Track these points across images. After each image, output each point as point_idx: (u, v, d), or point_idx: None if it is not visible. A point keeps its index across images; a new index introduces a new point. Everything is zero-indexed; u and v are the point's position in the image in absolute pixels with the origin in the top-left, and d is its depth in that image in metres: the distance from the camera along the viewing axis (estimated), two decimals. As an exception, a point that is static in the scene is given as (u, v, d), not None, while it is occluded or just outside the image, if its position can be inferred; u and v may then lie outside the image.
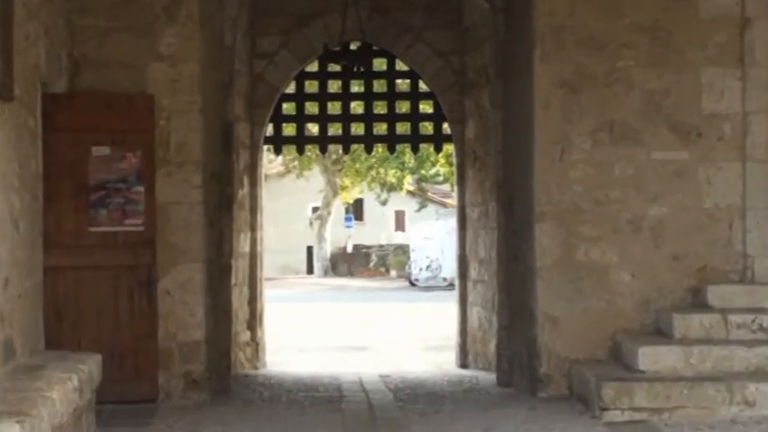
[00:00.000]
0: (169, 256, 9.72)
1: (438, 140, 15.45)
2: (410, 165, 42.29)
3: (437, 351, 16.60)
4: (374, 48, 14.57)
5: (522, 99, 10.62)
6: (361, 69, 14.31)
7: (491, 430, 8.48)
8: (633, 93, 9.98)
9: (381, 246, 51.66)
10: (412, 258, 43.70)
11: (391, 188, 46.27)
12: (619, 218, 9.99)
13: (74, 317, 9.41)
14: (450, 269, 32.90)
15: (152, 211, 9.57)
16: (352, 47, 14.59)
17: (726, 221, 9.98)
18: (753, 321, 9.26)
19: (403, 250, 48.27)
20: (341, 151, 28.86)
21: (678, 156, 9.97)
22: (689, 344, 9.11)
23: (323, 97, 15.09)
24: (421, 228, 44.62)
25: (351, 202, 49.44)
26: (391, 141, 15.66)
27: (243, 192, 13.89)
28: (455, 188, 15.47)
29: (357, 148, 24.74)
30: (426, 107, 15.96)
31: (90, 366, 7.84)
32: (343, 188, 45.01)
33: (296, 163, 41.37)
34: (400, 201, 50.62)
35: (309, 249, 50.20)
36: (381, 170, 43.02)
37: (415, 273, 42.74)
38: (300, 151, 16.84)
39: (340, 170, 43.29)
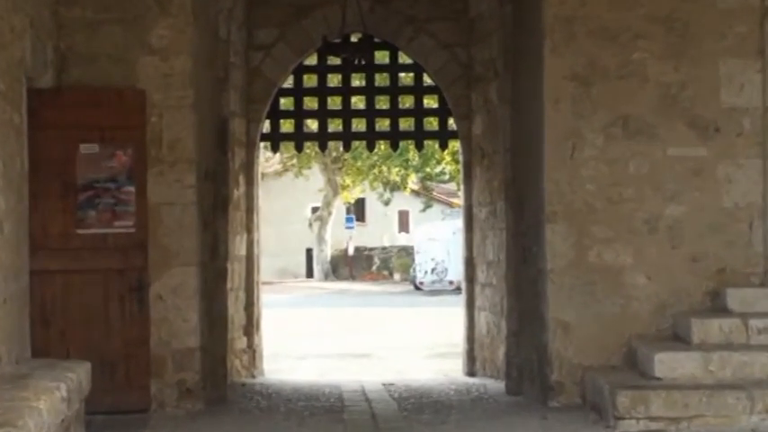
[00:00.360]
0: (161, 260, 9.65)
1: (443, 137, 15.41)
2: (414, 162, 42.24)
3: (443, 358, 16.63)
4: (376, 40, 14.45)
5: (532, 93, 10.63)
6: (363, 62, 14.19)
7: (500, 441, 8.47)
8: (648, 86, 9.93)
9: (384, 248, 51.68)
10: (416, 261, 43.55)
11: (394, 187, 46.40)
12: (633, 218, 9.93)
13: (61, 323, 9.32)
14: (456, 272, 32.88)
15: (143, 212, 9.49)
16: (353, 39, 14.54)
17: (746, 221, 9.94)
18: (774, 326, 9.24)
19: (407, 252, 48.28)
20: (341, 149, 28.96)
21: (696, 152, 9.97)
22: (708, 350, 9.03)
23: (322, 92, 15.07)
24: (426, 229, 44.31)
25: (352, 202, 49.55)
26: (394, 138, 15.60)
27: (239, 192, 13.82)
28: (461, 187, 15.44)
29: (358, 145, 24.62)
30: (431, 102, 15.86)
31: (79, 375, 7.81)
32: (344, 187, 45.03)
33: (294, 161, 41.39)
34: (404, 200, 50.75)
35: (309, 252, 50.14)
36: (384, 168, 43.09)
37: (419, 276, 42.55)
38: (299, 149, 16.66)
39: (340, 168, 43.31)
